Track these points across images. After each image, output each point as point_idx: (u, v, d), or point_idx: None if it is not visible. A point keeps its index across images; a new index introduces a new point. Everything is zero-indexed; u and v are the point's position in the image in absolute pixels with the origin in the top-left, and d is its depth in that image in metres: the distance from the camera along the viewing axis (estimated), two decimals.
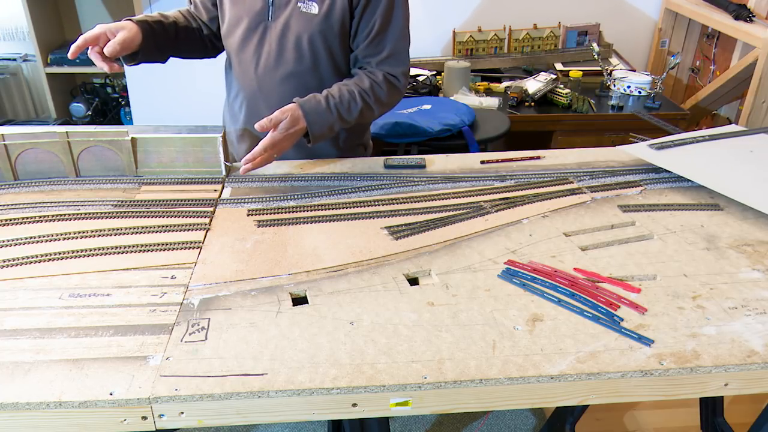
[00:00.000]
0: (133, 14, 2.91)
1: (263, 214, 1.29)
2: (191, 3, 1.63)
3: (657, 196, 1.37)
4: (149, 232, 1.21)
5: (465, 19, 3.14)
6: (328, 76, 1.53)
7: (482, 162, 1.54)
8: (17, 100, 3.28)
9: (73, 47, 1.32)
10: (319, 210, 1.31)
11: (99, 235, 1.20)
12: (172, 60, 1.59)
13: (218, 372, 0.86)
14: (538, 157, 1.57)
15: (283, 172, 1.48)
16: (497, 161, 1.54)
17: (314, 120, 1.39)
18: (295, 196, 1.36)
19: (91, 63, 1.35)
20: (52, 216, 1.26)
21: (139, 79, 2.97)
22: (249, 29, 1.49)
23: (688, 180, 1.42)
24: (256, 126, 1.35)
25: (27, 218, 1.25)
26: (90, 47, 1.34)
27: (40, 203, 1.31)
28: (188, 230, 1.22)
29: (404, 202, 1.34)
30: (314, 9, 1.43)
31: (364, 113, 1.47)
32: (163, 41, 1.50)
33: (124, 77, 3.11)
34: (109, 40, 1.34)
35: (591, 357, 0.89)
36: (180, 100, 1.63)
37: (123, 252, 1.14)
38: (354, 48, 1.52)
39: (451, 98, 2.58)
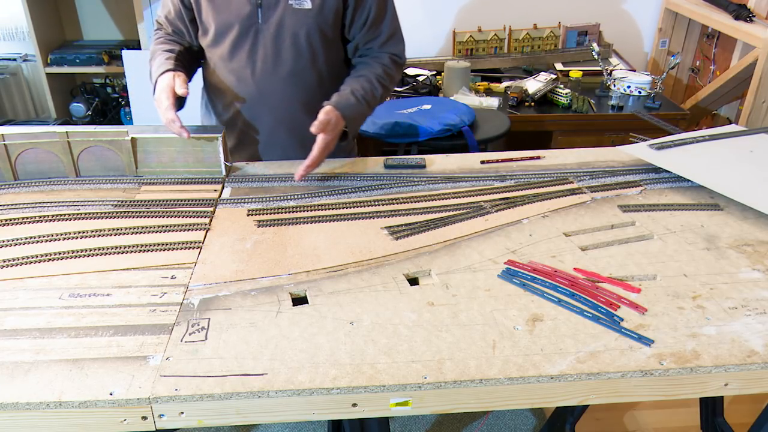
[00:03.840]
0: (132, 14, 2.92)
1: (263, 214, 1.29)
2: (161, 28, 1.59)
3: (657, 196, 1.37)
4: (149, 232, 1.21)
5: (465, 19, 3.14)
6: (325, 69, 1.53)
7: (482, 162, 1.54)
8: (17, 100, 3.28)
9: (177, 125, 1.37)
10: (319, 210, 1.31)
11: (99, 235, 1.20)
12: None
13: (218, 372, 0.86)
14: (538, 157, 1.57)
15: (283, 172, 1.48)
16: (497, 161, 1.54)
17: (351, 116, 1.45)
18: (295, 196, 1.36)
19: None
20: (52, 216, 1.26)
21: (139, 79, 2.97)
22: (240, 35, 1.46)
23: (688, 180, 1.42)
24: (313, 129, 1.36)
25: (27, 218, 1.25)
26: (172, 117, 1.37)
27: (40, 203, 1.31)
28: (188, 230, 1.22)
29: (404, 202, 1.34)
30: (307, 4, 1.42)
31: (383, 96, 1.54)
32: (189, 73, 1.53)
33: (124, 77, 3.11)
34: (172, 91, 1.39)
35: (591, 357, 0.89)
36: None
37: (123, 252, 1.14)
38: (351, 37, 1.53)
39: (451, 98, 2.58)
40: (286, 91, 1.52)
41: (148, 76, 1.49)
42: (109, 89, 3.29)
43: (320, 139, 1.40)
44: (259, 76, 1.51)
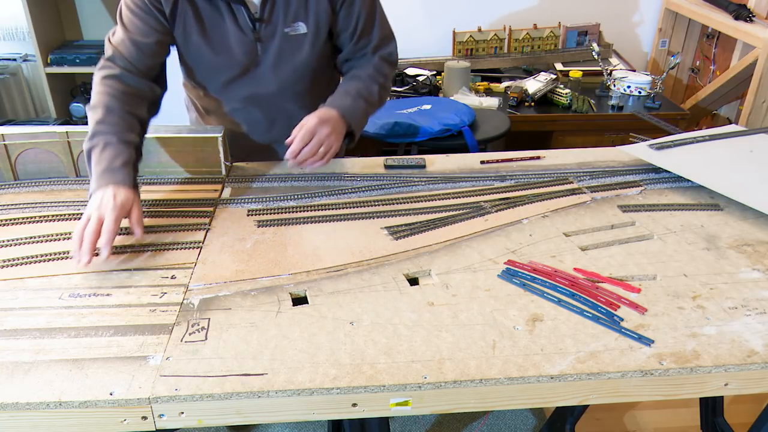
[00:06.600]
0: None
1: (263, 214, 1.29)
2: (113, 59, 1.32)
3: (657, 196, 1.37)
4: (149, 232, 1.21)
5: (465, 19, 3.14)
6: (324, 87, 1.52)
7: (482, 162, 1.54)
8: (17, 100, 3.28)
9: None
10: (319, 210, 1.31)
11: None
12: (171, 59, 1.56)
13: (218, 372, 0.86)
14: (538, 157, 1.57)
15: (283, 172, 1.48)
16: (497, 161, 1.54)
17: (349, 112, 1.38)
18: (295, 196, 1.36)
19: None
20: (52, 216, 1.26)
21: None
22: (240, 71, 1.43)
23: (688, 180, 1.42)
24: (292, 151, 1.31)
25: (27, 218, 1.25)
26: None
27: (40, 203, 1.31)
28: (188, 230, 1.22)
29: (404, 202, 1.34)
30: (302, 29, 1.40)
31: (381, 93, 1.48)
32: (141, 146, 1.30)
33: None
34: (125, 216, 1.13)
35: (591, 357, 0.89)
36: (179, 100, 1.63)
37: (123, 252, 1.14)
38: (341, 45, 1.49)
39: (451, 98, 2.58)
40: (285, 112, 1.50)
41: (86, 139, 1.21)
42: None
43: (311, 125, 1.31)
44: (255, 102, 1.49)
